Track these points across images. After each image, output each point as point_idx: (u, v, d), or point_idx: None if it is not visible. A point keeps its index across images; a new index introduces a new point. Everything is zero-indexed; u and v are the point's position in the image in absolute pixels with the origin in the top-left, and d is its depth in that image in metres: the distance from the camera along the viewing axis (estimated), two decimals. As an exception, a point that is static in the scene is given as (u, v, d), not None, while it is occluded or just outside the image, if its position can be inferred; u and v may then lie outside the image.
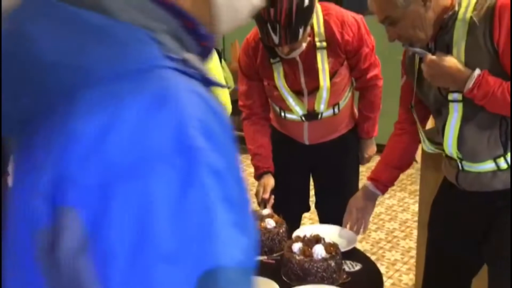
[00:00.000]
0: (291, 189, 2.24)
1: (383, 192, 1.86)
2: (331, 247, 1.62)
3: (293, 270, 1.58)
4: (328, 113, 2.09)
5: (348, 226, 1.87)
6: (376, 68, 2.10)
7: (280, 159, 2.17)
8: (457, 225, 1.67)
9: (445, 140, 1.55)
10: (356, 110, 2.28)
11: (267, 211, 1.91)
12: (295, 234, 1.76)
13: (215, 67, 2.22)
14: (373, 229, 3.55)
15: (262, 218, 1.87)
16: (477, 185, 1.56)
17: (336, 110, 2.11)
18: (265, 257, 1.77)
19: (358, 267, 1.68)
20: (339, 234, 1.87)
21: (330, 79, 2.00)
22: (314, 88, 2.03)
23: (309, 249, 1.60)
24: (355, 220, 1.86)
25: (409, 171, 4.13)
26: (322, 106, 2.06)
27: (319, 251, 1.59)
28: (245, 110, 2.17)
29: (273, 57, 1.98)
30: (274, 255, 1.78)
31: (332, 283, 1.56)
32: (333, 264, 1.57)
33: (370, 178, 1.86)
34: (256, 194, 2.09)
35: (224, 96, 2.23)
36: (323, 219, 2.27)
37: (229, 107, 2.27)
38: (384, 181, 1.83)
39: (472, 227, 1.63)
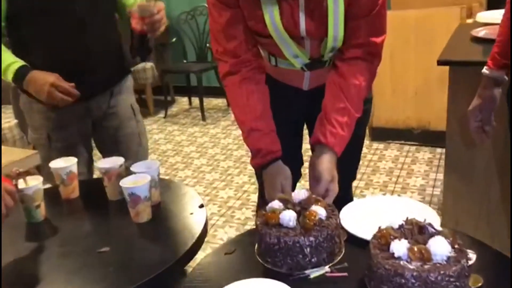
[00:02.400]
0: (283, 150, 1.56)
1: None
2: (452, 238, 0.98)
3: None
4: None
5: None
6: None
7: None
8: None
9: None
10: None
11: (304, 191, 1.21)
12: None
13: None
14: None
15: (298, 205, 1.17)
16: None
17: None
18: (328, 269, 1.09)
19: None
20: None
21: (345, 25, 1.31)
22: (320, 36, 1.35)
23: (426, 249, 0.95)
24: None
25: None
26: (331, 54, 1.39)
27: (437, 245, 0.95)
28: (227, 58, 1.38)
29: None
30: (339, 266, 1.10)
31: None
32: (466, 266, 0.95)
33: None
34: (272, 200, 1.22)
35: None
36: None
37: None
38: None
39: None
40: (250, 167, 1.59)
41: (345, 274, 1.07)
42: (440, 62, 1.73)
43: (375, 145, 3.67)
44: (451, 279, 0.92)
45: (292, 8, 1.29)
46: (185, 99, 5.25)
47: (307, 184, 1.34)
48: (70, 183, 1.54)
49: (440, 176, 3.13)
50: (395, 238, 0.99)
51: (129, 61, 1.98)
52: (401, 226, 1.03)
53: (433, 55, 3.38)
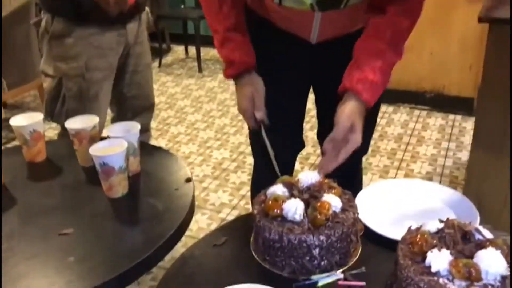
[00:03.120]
0: (284, 115, 1.38)
1: None
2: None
3: (447, 315, 0.71)
4: None
5: None
6: None
7: (268, 66, 1.29)
8: None
9: None
10: None
11: (314, 174, 0.97)
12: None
13: None
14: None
15: (307, 192, 0.94)
16: None
17: None
18: (341, 275, 0.87)
19: None
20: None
21: None
22: None
23: (475, 266, 0.72)
24: None
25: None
26: None
27: (489, 260, 0.72)
28: None
29: None
30: (355, 271, 0.88)
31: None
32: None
33: None
34: (243, 112, 1.27)
35: None
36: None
37: None
38: None
39: None
40: (247, 126, 1.36)
41: (363, 283, 0.85)
42: (482, 19, 1.45)
43: (383, 107, 3.41)
44: (504, 306, 0.70)
45: None
46: (181, 48, 4.92)
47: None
48: (35, 144, 1.31)
49: (453, 145, 2.90)
50: (433, 247, 0.76)
51: None
52: (439, 230, 0.80)
53: (455, 11, 3.11)
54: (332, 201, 0.89)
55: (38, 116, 1.31)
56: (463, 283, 0.71)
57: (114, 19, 1.71)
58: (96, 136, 1.27)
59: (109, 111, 1.97)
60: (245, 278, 0.86)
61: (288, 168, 1.50)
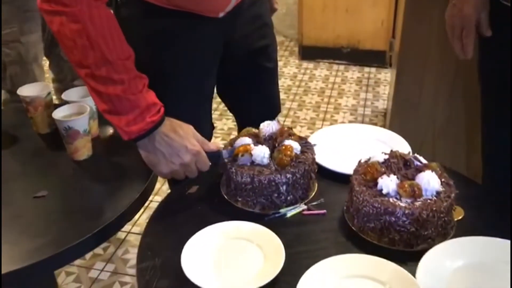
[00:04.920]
0: (192, 110, 1.28)
1: None
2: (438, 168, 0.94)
3: (398, 227, 0.87)
4: None
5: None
6: None
7: (176, 56, 1.20)
8: None
9: None
10: None
11: (274, 123, 1.09)
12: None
13: None
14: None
15: (270, 139, 1.06)
16: None
17: None
18: (305, 207, 1.01)
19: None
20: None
21: None
22: None
23: (418, 185, 0.89)
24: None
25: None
26: None
27: (428, 180, 0.89)
28: None
29: None
30: (315, 202, 1.02)
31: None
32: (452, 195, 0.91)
33: None
34: (196, 155, 1.01)
35: None
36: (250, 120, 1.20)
37: None
38: None
39: None
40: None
41: (324, 211, 1.00)
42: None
43: (305, 64, 3.59)
44: (441, 215, 0.88)
45: None
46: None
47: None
48: (-14, 115, 1.30)
49: (370, 96, 3.16)
50: (382, 174, 0.92)
51: None
52: (386, 160, 0.96)
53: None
54: (293, 145, 1.02)
55: (-14, 86, 1.30)
56: (409, 200, 0.88)
57: None
58: (50, 103, 1.29)
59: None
60: (222, 218, 0.97)
61: None
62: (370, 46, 3.48)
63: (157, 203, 1.08)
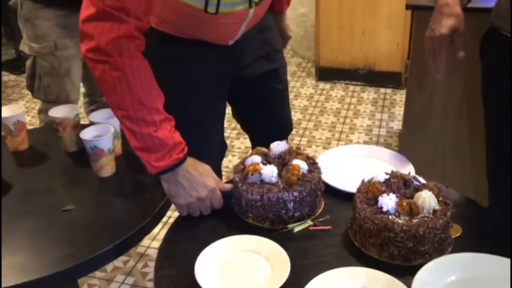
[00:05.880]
0: (206, 131, 1.40)
1: None
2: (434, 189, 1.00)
3: (397, 242, 0.94)
4: None
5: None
6: None
7: (185, 82, 1.31)
8: None
9: None
10: None
11: (283, 144, 1.17)
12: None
13: None
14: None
15: (278, 159, 1.13)
16: None
17: None
18: (311, 223, 1.08)
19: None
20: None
21: None
22: None
23: (415, 204, 0.95)
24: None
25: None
26: None
27: (425, 199, 0.96)
28: (127, 18, 1.00)
29: None
30: (321, 219, 1.09)
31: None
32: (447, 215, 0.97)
33: None
34: (212, 191, 1.11)
35: None
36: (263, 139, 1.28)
37: None
38: None
39: None
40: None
41: (329, 227, 1.06)
42: (408, 7, 1.70)
43: (322, 85, 3.67)
44: (437, 232, 0.94)
45: None
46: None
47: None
48: (19, 134, 1.41)
49: (385, 116, 3.22)
50: (383, 192, 0.98)
51: None
52: (387, 180, 1.02)
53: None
54: (301, 164, 1.09)
55: (21, 108, 1.41)
56: (407, 217, 0.94)
57: (79, 2, 1.79)
58: (78, 123, 1.39)
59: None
60: (233, 232, 1.05)
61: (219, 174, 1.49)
62: (386, 68, 3.54)
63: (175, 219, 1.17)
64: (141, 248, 2.14)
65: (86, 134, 1.26)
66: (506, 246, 0.95)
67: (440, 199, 0.99)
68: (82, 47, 1.04)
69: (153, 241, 2.17)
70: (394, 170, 1.06)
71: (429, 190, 0.97)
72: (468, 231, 1.03)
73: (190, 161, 1.10)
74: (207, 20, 1.20)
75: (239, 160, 1.15)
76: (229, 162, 2.70)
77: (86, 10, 1.02)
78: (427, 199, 0.95)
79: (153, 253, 2.12)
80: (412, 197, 0.97)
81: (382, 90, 3.55)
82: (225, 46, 1.33)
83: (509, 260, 0.90)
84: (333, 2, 3.44)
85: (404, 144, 2.02)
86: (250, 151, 1.20)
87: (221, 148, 1.55)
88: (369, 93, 3.53)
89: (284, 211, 1.06)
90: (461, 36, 1.14)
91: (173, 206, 1.17)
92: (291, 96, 3.28)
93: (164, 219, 1.22)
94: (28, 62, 1.94)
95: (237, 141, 2.90)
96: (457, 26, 1.13)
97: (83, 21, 1.03)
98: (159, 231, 2.18)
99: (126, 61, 1.02)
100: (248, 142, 2.85)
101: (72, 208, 1.16)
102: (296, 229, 1.06)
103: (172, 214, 2.21)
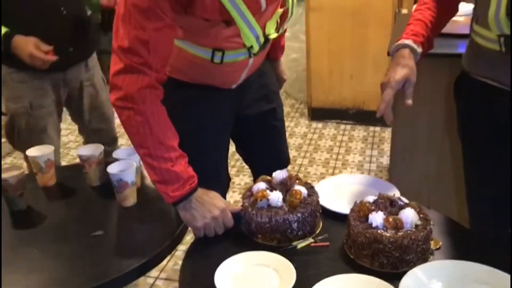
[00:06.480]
0: (212, 164, 1.60)
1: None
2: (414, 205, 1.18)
3: (385, 252, 1.11)
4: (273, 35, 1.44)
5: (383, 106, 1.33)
6: None
7: (195, 120, 1.51)
8: None
9: None
10: None
11: (284, 172, 1.34)
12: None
13: None
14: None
15: (281, 185, 1.31)
16: None
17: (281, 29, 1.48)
18: (312, 240, 1.25)
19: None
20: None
21: None
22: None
23: (399, 219, 1.13)
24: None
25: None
26: (273, 29, 1.41)
27: (408, 215, 1.13)
28: (148, 71, 1.20)
29: None
30: (321, 236, 1.26)
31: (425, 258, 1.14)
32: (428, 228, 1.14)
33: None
34: (223, 212, 1.29)
35: None
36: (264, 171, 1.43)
37: None
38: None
39: None
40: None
41: (327, 243, 1.23)
42: (390, 53, 1.92)
43: (314, 124, 3.89)
44: (419, 243, 1.11)
45: None
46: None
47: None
48: (48, 171, 1.58)
49: (375, 152, 3.42)
50: (372, 211, 1.16)
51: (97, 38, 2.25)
52: (375, 201, 1.20)
53: (368, 42, 3.66)
54: (301, 189, 1.27)
55: (50, 147, 1.59)
56: (393, 231, 1.12)
57: (51, 67, 1.96)
58: (102, 160, 1.57)
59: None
60: (245, 249, 1.21)
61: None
62: (374, 107, 3.76)
63: (182, 252, 1.32)
64: (150, 279, 2.27)
65: (113, 168, 1.44)
66: (480, 255, 1.12)
67: (421, 215, 1.16)
68: (112, 97, 1.23)
69: (162, 273, 2.30)
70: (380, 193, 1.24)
71: (412, 208, 1.15)
72: (446, 244, 1.20)
73: (200, 190, 1.28)
74: (213, 68, 1.41)
75: (240, 196, 1.32)
76: (230, 197, 2.86)
77: (116, 65, 1.21)
78: (409, 215, 1.13)
79: (161, 283, 2.25)
80: (397, 214, 1.15)
81: (371, 128, 3.77)
82: (229, 90, 1.54)
83: (481, 265, 1.07)
84: (322, 48, 3.70)
85: (392, 175, 2.21)
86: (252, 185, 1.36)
87: (226, 181, 1.75)
88: (359, 131, 3.74)
89: (289, 231, 1.23)
90: (412, 86, 1.31)
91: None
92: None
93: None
94: (5, 119, 2.08)
95: (237, 178, 3.07)
96: (409, 75, 1.31)
97: (113, 75, 1.21)
98: (167, 263, 2.31)
99: (148, 108, 1.21)
100: (247, 179, 3.03)
101: (101, 233, 1.32)
102: (299, 246, 1.22)
103: (178, 247, 2.36)
